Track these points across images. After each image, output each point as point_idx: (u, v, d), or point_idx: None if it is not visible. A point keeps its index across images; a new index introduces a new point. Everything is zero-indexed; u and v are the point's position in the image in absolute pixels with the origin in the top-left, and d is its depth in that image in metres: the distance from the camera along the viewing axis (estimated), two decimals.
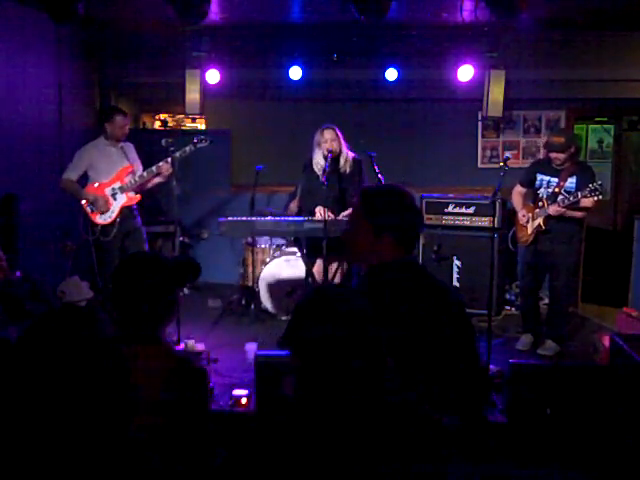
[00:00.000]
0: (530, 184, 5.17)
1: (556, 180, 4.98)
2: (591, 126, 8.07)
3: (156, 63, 6.67)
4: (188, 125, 7.98)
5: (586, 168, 5.11)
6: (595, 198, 4.70)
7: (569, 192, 4.89)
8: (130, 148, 5.40)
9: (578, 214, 4.92)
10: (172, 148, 5.13)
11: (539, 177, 5.09)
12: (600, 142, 8.12)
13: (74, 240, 5.97)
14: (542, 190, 5.05)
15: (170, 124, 7.94)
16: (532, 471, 1.54)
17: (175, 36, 6.24)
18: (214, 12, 5.58)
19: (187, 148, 5.17)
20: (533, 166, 5.28)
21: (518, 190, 5.24)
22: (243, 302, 6.22)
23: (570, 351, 5.17)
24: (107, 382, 1.34)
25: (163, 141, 5.14)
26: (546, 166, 5.08)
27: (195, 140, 5.21)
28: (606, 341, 4.54)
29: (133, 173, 5.27)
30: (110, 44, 6.61)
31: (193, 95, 6.43)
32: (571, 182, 4.93)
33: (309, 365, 1.45)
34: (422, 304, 2.03)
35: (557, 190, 4.95)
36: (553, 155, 4.94)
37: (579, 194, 4.74)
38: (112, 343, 1.41)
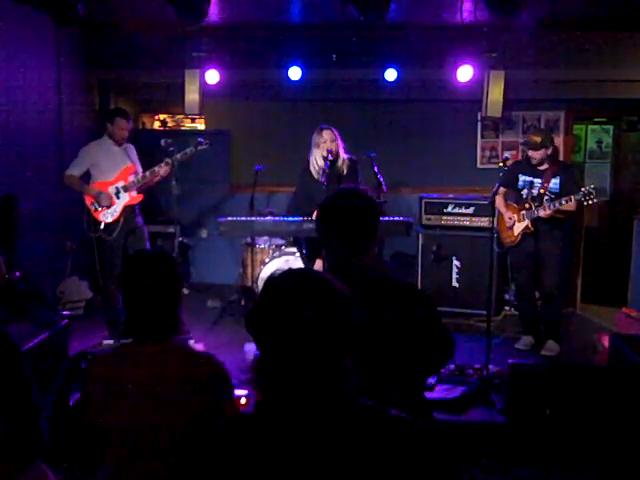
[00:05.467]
0: (511, 185, 5.17)
1: (539, 181, 4.99)
2: (590, 126, 8.06)
3: (156, 63, 6.67)
4: (188, 125, 7.98)
5: (568, 168, 5.15)
6: (590, 202, 4.69)
7: (554, 193, 4.91)
8: (131, 149, 5.41)
9: (561, 216, 4.94)
10: (171, 148, 5.13)
11: (521, 178, 5.10)
12: (599, 142, 8.12)
13: (74, 240, 5.98)
14: (525, 191, 5.07)
15: (170, 124, 7.94)
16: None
17: (175, 36, 6.24)
18: (214, 12, 5.58)
19: (188, 150, 5.19)
20: (513, 167, 5.24)
21: (500, 191, 5.22)
22: (243, 302, 6.23)
23: (570, 351, 5.17)
24: None
25: (163, 141, 5.14)
26: (527, 166, 5.09)
27: (196, 143, 5.23)
28: (606, 341, 4.54)
29: (136, 173, 5.28)
30: (110, 44, 6.61)
31: (193, 95, 6.43)
32: (555, 183, 4.95)
33: (265, 351, 1.41)
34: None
35: (542, 191, 4.96)
36: (530, 153, 4.96)
37: (573, 198, 4.73)
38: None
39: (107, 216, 5.16)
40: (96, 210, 5.18)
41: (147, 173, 5.22)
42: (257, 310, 1.43)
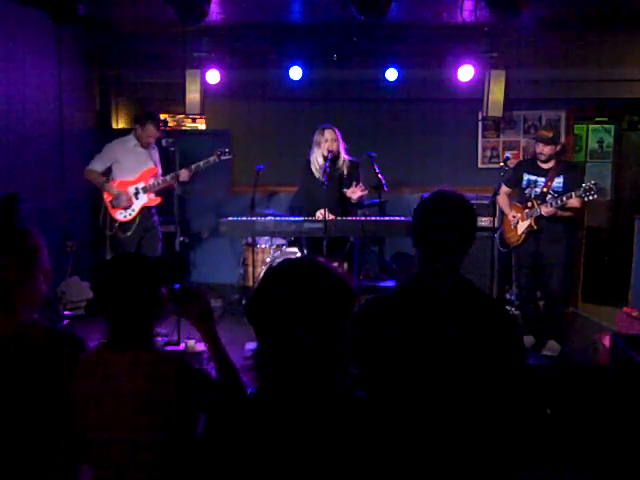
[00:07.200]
0: (516, 184, 5.18)
1: (543, 180, 5.00)
2: (591, 126, 8.06)
3: (156, 63, 6.68)
4: (188, 125, 7.97)
5: (572, 167, 5.15)
6: (590, 198, 4.69)
7: (557, 192, 4.90)
8: (155, 151, 5.44)
9: (567, 214, 4.94)
10: (172, 148, 5.14)
11: (525, 177, 5.10)
12: (600, 142, 8.11)
13: (75, 240, 5.98)
14: (529, 190, 5.07)
15: (170, 124, 7.93)
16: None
17: (175, 36, 6.24)
18: (214, 12, 5.58)
19: (211, 159, 5.28)
20: (519, 166, 5.26)
21: (504, 190, 5.22)
22: (243, 302, 6.23)
23: (570, 351, 5.17)
24: None
25: (163, 141, 5.15)
26: (532, 166, 5.10)
27: (219, 152, 5.29)
28: (606, 341, 4.55)
29: (156, 176, 5.33)
30: (110, 44, 6.61)
31: (193, 95, 6.44)
32: (558, 182, 4.95)
33: (262, 338, 1.45)
34: None
35: (545, 190, 4.96)
36: (539, 148, 4.94)
37: (573, 194, 4.73)
38: None
39: (124, 215, 5.21)
40: (114, 207, 5.22)
41: (168, 177, 5.28)
42: (254, 296, 1.46)
